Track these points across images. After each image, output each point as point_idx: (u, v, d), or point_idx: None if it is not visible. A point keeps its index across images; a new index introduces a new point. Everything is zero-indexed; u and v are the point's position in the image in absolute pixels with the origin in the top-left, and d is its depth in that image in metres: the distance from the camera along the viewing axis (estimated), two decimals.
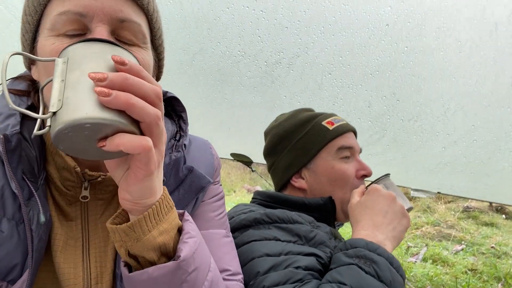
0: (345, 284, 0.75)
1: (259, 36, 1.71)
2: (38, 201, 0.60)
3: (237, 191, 7.96)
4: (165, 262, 0.55)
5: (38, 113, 0.48)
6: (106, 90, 0.43)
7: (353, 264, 0.80)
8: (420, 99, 1.80)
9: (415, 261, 4.17)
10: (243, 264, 0.84)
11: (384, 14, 1.48)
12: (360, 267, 0.79)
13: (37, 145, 0.64)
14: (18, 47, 0.68)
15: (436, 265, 4.06)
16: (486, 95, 1.65)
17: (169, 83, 1.95)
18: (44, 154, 0.66)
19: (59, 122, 0.43)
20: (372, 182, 1.09)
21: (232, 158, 2.72)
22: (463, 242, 4.78)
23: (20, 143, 0.60)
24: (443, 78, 1.66)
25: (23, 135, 0.62)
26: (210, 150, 0.87)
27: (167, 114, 0.81)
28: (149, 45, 0.67)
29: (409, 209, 1.05)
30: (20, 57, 0.68)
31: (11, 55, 0.48)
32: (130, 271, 0.57)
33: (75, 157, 0.65)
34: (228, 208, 0.90)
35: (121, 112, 0.45)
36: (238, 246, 0.88)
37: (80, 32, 0.59)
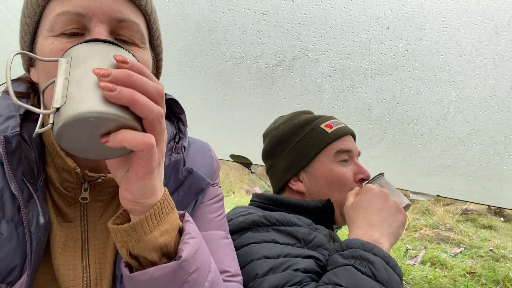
0: (341, 286, 0.75)
1: (260, 38, 1.71)
2: (38, 202, 0.60)
3: (236, 192, 7.95)
4: (166, 263, 0.55)
5: (38, 116, 0.48)
6: (110, 85, 0.43)
7: (349, 265, 0.80)
8: (420, 102, 1.80)
9: (414, 264, 4.17)
10: (242, 266, 0.84)
11: (384, 17, 1.48)
12: (356, 268, 0.79)
13: (36, 146, 0.64)
14: (18, 48, 0.68)
15: (435, 267, 4.06)
16: (486, 98, 1.66)
17: (169, 84, 1.96)
18: (43, 156, 0.66)
19: (62, 117, 0.44)
20: (367, 182, 1.09)
21: (231, 159, 2.72)
22: (461, 245, 4.78)
23: (20, 145, 0.60)
24: (443, 82, 1.66)
25: (22, 136, 0.62)
26: (210, 152, 0.87)
27: (166, 116, 0.81)
28: (147, 45, 0.68)
29: (407, 206, 1.04)
30: (20, 59, 0.68)
31: (15, 54, 0.48)
32: (131, 271, 0.57)
33: (76, 157, 0.65)
34: (227, 209, 0.90)
35: (125, 108, 0.45)
36: (236, 248, 0.88)
37: (79, 32, 0.59)
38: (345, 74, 1.79)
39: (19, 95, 0.68)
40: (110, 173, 0.68)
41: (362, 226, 0.93)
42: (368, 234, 0.89)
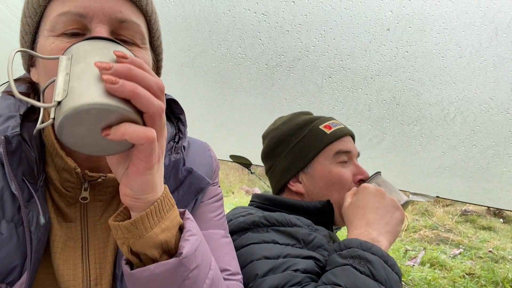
0: (340, 286, 0.75)
1: (260, 39, 1.71)
2: (38, 202, 0.60)
3: (236, 192, 7.96)
4: (167, 260, 0.55)
5: (38, 116, 0.49)
6: (113, 78, 0.44)
7: (347, 264, 0.80)
8: (420, 103, 1.80)
9: (413, 265, 4.17)
10: (242, 266, 0.84)
11: (385, 18, 1.48)
12: (355, 267, 0.78)
13: (36, 147, 0.64)
14: (19, 47, 0.69)
15: (434, 269, 4.06)
16: (486, 100, 1.66)
17: (169, 85, 1.95)
18: (43, 156, 0.66)
19: (63, 110, 0.44)
20: (364, 182, 1.09)
21: (231, 159, 2.72)
22: (461, 246, 4.78)
23: (20, 145, 0.60)
24: (443, 83, 1.66)
25: (23, 137, 0.62)
26: (209, 152, 0.87)
27: (166, 117, 0.81)
28: (147, 45, 0.68)
29: (406, 203, 1.04)
30: (20, 60, 0.68)
31: (17, 51, 0.49)
32: (131, 268, 0.57)
33: (76, 157, 0.65)
34: (226, 209, 0.90)
35: (126, 101, 0.45)
36: (236, 248, 0.88)
37: (80, 32, 0.60)
38: (345, 75, 1.79)
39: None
40: (110, 173, 0.68)
41: (360, 226, 0.93)
42: (366, 233, 0.89)
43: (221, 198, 0.86)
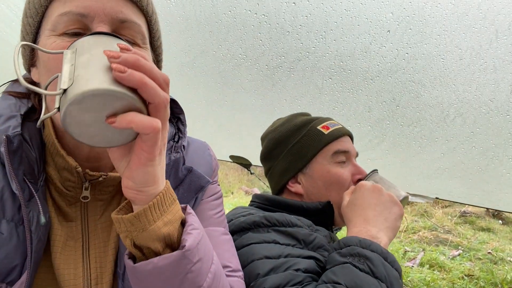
0: (340, 284, 0.75)
1: (261, 40, 1.72)
2: (38, 202, 0.60)
3: (235, 192, 7.96)
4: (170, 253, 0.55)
5: (39, 116, 0.49)
6: (122, 66, 0.44)
7: (347, 262, 0.80)
8: (419, 105, 1.81)
9: (412, 266, 4.17)
10: (243, 266, 0.84)
11: (385, 20, 1.49)
12: (354, 265, 0.79)
13: (37, 146, 0.64)
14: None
15: (433, 270, 4.06)
16: (486, 102, 1.66)
17: (170, 85, 1.95)
18: (44, 156, 0.66)
19: (69, 97, 0.44)
20: (361, 180, 1.09)
21: (231, 160, 2.73)
22: (460, 247, 4.79)
23: (21, 145, 0.60)
24: (443, 85, 1.67)
25: (23, 136, 0.62)
26: (208, 151, 0.87)
27: None
28: (148, 45, 0.68)
29: (405, 199, 1.04)
30: (20, 60, 0.68)
31: (22, 44, 0.49)
32: (134, 263, 0.57)
33: (76, 157, 0.65)
34: (225, 209, 0.90)
35: (133, 90, 0.46)
36: (237, 248, 0.88)
37: (81, 32, 0.60)
38: (346, 77, 1.79)
39: (20, 96, 0.69)
40: (111, 172, 0.69)
41: (359, 223, 0.93)
42: (365, 230, 0.90)
43: (221, 196, 0.87)
